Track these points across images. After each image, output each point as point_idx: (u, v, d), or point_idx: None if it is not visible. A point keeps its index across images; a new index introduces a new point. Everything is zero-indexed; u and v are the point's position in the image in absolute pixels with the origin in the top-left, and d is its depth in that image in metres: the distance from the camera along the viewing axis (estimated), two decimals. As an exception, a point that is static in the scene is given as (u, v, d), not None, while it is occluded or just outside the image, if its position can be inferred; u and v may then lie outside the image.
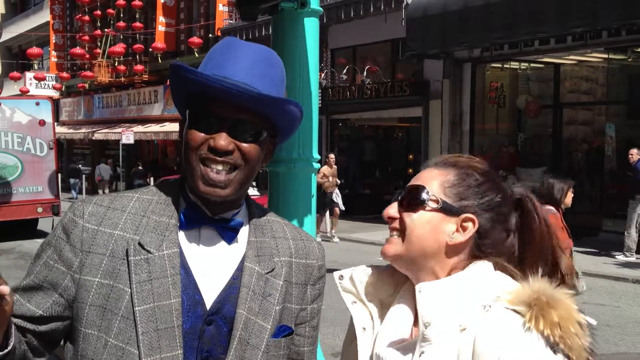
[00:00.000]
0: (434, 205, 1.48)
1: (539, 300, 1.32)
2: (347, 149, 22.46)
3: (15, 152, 16.18)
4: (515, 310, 1.34)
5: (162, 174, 29.20)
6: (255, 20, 2.86)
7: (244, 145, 1.51)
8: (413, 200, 1.50)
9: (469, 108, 17.81)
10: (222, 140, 1.49)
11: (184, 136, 1.54)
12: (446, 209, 1.48)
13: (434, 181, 1.51)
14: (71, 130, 33.32)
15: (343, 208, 16.49)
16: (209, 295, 1.52)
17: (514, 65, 17.72)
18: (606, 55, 15.71)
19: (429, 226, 1.48)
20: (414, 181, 1.54)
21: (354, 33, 19.38)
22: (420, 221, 1.48)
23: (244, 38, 22.27)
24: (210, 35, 25.27)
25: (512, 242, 1.52)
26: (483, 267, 1.46)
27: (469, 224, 1.47)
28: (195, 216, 1.55)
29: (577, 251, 12.70)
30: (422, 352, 1.37)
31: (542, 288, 1.36)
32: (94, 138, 31.26)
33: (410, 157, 21.08)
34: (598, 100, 17.05)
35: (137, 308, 1.45)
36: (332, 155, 16.69)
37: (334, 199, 16.23)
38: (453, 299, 1.39)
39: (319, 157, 3.01)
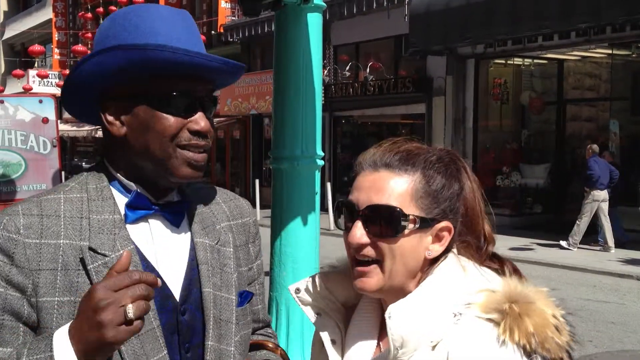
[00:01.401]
0: (412, 226, 1.32)
1: (512, 310, 1.24)
2: (350, 146, 22.42)
3: (18, 150, 16.13)
4: (488, 319, 1.25)
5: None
6: (258, 16, 2.84)
7: (210, 122, 1.45)
8: (388, 226, 1.31)
9: (472, 105, 17.74)
10: (203, 121, 1.42)
11: (137, 123, 1.40)
12: (423, 225, 1.33)
13: (402, 194, 1.33)
14: (74, 128, 33.30)
15: None
16: (175, 285, 1.45)
17: (518, 61, 17.66)
18: (610, 51, 15.66)
19: (410, 250, 1.34)
20: (375, 195, 1.33)
21: (356, 29, 19.32)
22: (402, 248, 1.33)
23: (246, 35, 22.25)
24: (212, 32, 25.23)
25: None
26: (449, 265, 1.35)
27: (445, 233, 1.35)
28: (140, 205, 1.44)
29: (581, 248, 12.71)
30: None
31: (514, 292, 1.27)
32: (97, 135, 31.23)
33: (414, 154, 21.01)
34: (602, 97, 17.00)
35: None
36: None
37: None
38: (423, 314, 1.28)
39: (322, 154, 2.98)
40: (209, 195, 1.61)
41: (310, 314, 1.47)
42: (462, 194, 1.38)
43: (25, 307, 1.33)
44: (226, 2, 24.53)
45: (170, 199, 1.49)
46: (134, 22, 1.41)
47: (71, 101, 1.51)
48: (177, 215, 1.48)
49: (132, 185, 1.45)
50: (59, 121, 18.04)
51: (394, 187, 1.33)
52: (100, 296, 1.18)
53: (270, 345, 1.67)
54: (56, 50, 35.04)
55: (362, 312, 1.46)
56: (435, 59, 17.69)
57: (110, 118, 1.44)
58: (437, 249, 1.35)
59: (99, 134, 31.54)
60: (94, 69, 1.39)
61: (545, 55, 16.77)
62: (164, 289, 1.43)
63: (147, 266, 1.42)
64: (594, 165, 12.55)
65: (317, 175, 2.97)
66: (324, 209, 15.47)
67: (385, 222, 1.31)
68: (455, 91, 17.72)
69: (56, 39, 34.78)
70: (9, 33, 40.67)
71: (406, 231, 1.31)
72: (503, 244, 12.21)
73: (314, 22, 2.83)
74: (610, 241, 12.47)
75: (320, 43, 2.90)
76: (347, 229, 1.37)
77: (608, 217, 12.48)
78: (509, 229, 14.45)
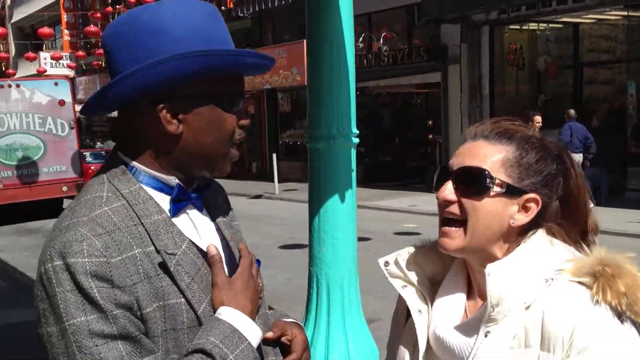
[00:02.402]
0: (499, 190, 1.40)
1: (604, 271, 1.32)
2: (366, 117, 22.43)
3: (37, 133, 16.33)
4: (580, 282, 1.33)
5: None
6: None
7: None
8: (475, 185, 1.40)
9: (487, 72, 17.67)
10: (246, 117, 1.51)
11: (212, 121, 1.45)
12: (510, 192, 1.41)
13: (494, 161, 1.41)
14: (89, 109, 33.44)
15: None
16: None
17: (532, 26, 17.51)
18: (625, 13, 15.47)
19: (494, 213, 1.41)
20: (469, 159, 1.43)
21: (368, 0, 19.24)
22: (486, 209, 1.41)
23: (257, 9, 22.15)
24: (222, 7, 25.15)
25: (557, 204, 1.47)
26: (539, 239, 1.43)
27: (532, 204, 1.42)
28: (183, 197, 1.48)
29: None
30: (488, 332, 1.37)
31: (605, 257, 1.35)
32: (112, 115, 31.36)
33: (430, 122, 21.00)
34: (618, 59, 16.85)
35: (199, 312, 1.42)
36: (538, 117, 12.49)
37: None
38: (517, 277, 1.37)
39: (357, 131, 3.04)
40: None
41: (397, 285, 1.55)
42: (560, 175, 1.46)
43: (140, 324, 1.35)
44: (236, -23, 24.41)
45: (195, 187, 1.56)
46: (189, 24, 1.43)
47: (111, 103, 1.48)
48: (200, 202, 1.56)
49: (171, 180, 1.48)
50: (74, 103, 18.18)
51: (486, 153, 1.43)
52: (257, 285, 1.52)
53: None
54: (66, 32, 35.03)
55: (449, 285, 1.54)
56: (449, 27, 17.59)
57: (167, 116, 1.44)
58: (522, 218, 1.42)
59: (114, 112, 31.45)
60: (167, 73, 1.39)
61: (560, 19, 16.61)
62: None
63: (203, 254, 1.49)
64: (565, 130, 13.16)
65: (353, 152, 3.03)
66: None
67: (473, 181, 1.40)
68: (470, 58, 17.65)
69: (65, 20, 34.75)
70: (18, 16, 40.64)
71: (492, 192, 1.40)
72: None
73: (346, 7, 2.87)
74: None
75: (351, 22, 2.94)
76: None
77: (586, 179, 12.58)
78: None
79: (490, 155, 1.42)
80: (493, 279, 1.36)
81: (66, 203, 17.41)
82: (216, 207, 1.63)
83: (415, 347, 1.53)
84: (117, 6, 28.71)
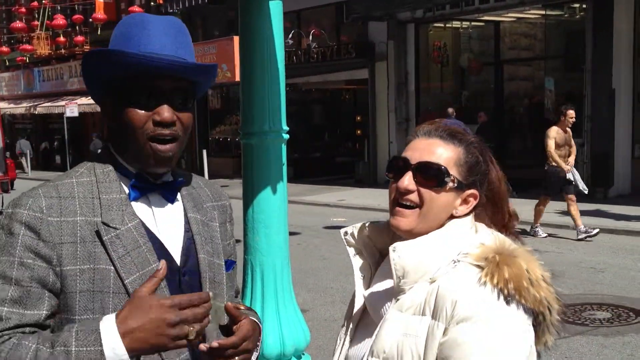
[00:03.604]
0: (452, 185, 1.63)
1: (494, 259, 1.52)
2: (296, 113, 22.65)
3: (-42, 131, 15.86)
4: (477, 265, 1.54)
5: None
6: (224, 4, 3.07)
7: (182, 114, 1.65)
8: (433, 179, 1.62)
9: (413, 68, 18.19)
10: (166, 112, 1.62)
11: (119, 117, 1.63)
12: (459, 187, 1.64)
13: (448, 159, 1.64)
14: (12, 105, 32.59)
15: (585, 190, 10.88)
16: (175, 252, 1.69)
17: (456, 24, 18.12)
18: (543, 12, 16.19)
19: (446, 203, 1.64)
20: (427, 155, 1.64)
21: (297, -3, 19.47)
22: (440, 200, 1.63)
23: (186, 5, 22.08)
24: (152, 3, 24.94)
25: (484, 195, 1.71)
26: (459, 225, 1.65)
27: (471, 198, 1.66)
28: (141, 185, 1.68)
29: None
30: (397, 299, 1.61)
31: (501, 247, 1.57)
32: (36, 112, 30.66)
33: (358, 118, 21.41)
34: (537, 56, 17.58)
35: (126, 281, 1.57)
36: (571, 112, 10.66)
37: (571, 178, 10.64)
38: (423, 255, 1.59)
39: (287, 128, 3.25)
40: (194, 179, 1.87)
41: (351, 252, 1.77)
42: (488, 174, 1.71)
43: (50, 276, 1.55)
44: (164, -28, 24.26)
45: (166, 179, 1.74)
46: (127, 31, 1.67)
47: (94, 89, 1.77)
48: (172, 193, 1.75)
49: (132, 169, 1.70)
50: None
51: (442, 152, 1.65)
52: (171, 316, 1.42)
53: (242, 307, 1.86)
54: (-10, 27, 34.04)
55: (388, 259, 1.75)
56: (376, 25, 18.02)
57: (108, 112, 1.69)
58: (463, 209, 1.66)
59: (38, 110, 30.97)
60: (89, 69, 1.69)
61: (482, 18, 17.23)
62: (167, 255, 1.66)
63: (151, 236, 1.66)
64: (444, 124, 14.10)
65: (284, 148, 3.26)
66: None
67: (433, 175, 1.63)
68: (397, 55, 18.11)
69: (-11, 14, 33.77)
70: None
71: (447, 187, 1.63)
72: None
73: (276, 9, 3.09)
74: None
75: (281, 27, 3.16)
76: (396, 179, 1.67)
77: None
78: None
79: (444, 154, 1.65)
80: (397, 254, 1.59)
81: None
82: (195, 205, 1.79)
83: (353, 307, 1.76)
84: (43, 1, 28.06)
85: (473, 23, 17.87)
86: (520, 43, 17.89)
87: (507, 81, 17.83)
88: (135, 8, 23.87)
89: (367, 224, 1.79)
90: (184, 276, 1.71)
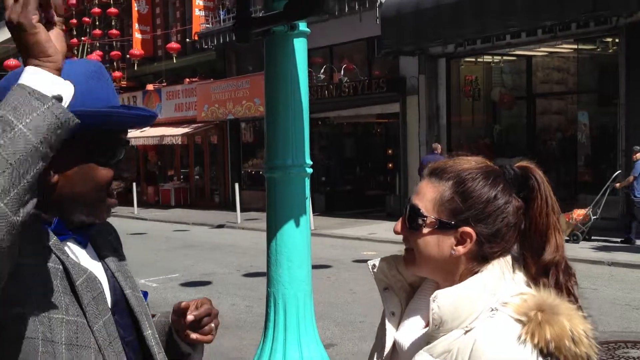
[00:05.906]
0: (431, 227, 1.55)
1: (536, 317, 1.43)
2: (327, 146, 22.79)
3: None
4: (517, 320, 1.45)
5: (144, 179, 29.34)
6: (249, 43, 3.16)
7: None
8: (413, 221, 1.57)
9: (445, 102, 18.22)
10: (128, 166, 1.62)
11: (85, 173, 1.54)
12: (442, 227, 1.55)
13: (429, 200, 1.57)
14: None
15: None
16: (105, 292, 1.64)
17: (487, 59, 18.17)
18: (576, 46, 16.17)
19: (432, 245, 1.57)
20: (416, 197, 1.60)
21: (329, 33, 19.64)
22: (424, 242, 1.57)
23: (220, 42, 22.49)
24: (187, 39, 25.44)
25: (515, 235, 1.58)
26: (490, 271, 1.54)
27: (467, 237, 1.55)
28: (60, 232, 1.60)
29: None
30: (430, 343, 1.54)
31: (544, 302, 1.46)
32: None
33: (390, 151, 21.44)
34: (569, 90, 17.52)
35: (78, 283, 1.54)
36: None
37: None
38: (462, 304, 1.50)
39: (310, 162, 3.32)
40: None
41: (379, 287, 1.72)
42: (502, 208, 1.56)
43: None
44: (200, 10, 24.76)
45: (77, 226, 1.67)
46: (87, 84, 1.56)
47: None
48: (84, 238, 1.68)
49: (51, 219, 1.60)
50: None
51: (425, 192, 1.59)
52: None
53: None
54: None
55: (422, 293, 1.72)
56: (407, 59, 18.13)
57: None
58: (460, 249, 1.55)
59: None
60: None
61: (513, 52, 17.26)
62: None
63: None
64: (423, 160, 15.40)
65: (307, 181, 3.32)
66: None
67: (412, 218, 1.58)
68: (428, 89, 18.17)
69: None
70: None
71: (424, 230, 1.56)
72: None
73: (300, 46, 3.18)
74: None
75: (305, 63, 3.24)
76: None
77: None
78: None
79: (427, 194, 1.58)
80: (436, 304, 1.50)
81: None
82: (105, 246, 1.75)
83: (384, 347, 1.71)
84: (83, 38, 28.81)
85: (505, 57, 17.91)
86: (553, 77, 17.87)
87: (540, 115, 17.77)
88: (173, 44, 24.31)
89: (394, 257, 1.73)
90: (114, 315, 1.65)
